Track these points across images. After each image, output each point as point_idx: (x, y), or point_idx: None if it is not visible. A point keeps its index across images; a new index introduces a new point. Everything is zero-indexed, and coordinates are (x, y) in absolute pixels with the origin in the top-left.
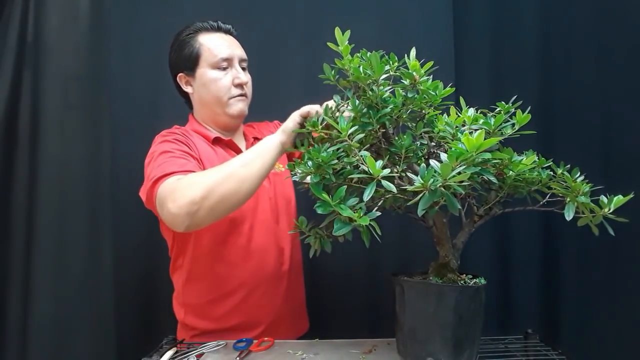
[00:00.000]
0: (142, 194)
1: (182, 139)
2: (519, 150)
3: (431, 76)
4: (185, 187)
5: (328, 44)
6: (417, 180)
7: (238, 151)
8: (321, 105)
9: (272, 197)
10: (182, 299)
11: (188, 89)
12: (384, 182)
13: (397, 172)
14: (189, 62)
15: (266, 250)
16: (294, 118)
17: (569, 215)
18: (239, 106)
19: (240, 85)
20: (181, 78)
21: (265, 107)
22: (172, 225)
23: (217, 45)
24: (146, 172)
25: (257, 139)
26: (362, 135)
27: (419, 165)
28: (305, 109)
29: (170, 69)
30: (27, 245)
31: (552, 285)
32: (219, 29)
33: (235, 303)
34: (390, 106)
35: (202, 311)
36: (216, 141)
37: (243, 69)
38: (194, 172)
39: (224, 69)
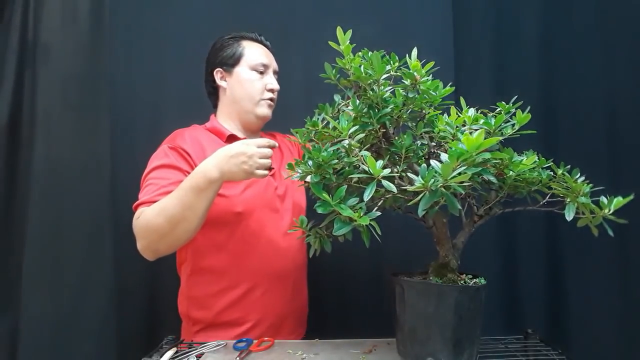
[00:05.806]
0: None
1: (178, 147)
2: (521, 150)
3: (431, 76)
4: (139, 231)
5: (329, 42)
6: (418, 181)
7: None
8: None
9: (282, 195)
10: (186, 292)
11: (222, 83)
12: (384, 182)
13: (397, 172)
14: (230, 60)
15: (272, 247)
16: (244, 166)
17: (569, 215)
18: (266, 110)
19: (271, 91)
20: (217, 72)
21: None
22: None
23: (258, 51)
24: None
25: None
26: (362, 135)
27: (419, 165)
28: (264, 149)
29: (207, 65)
30: (25, 245)
31: (552, 285)
32: (259, 42)
33: (238, 297)
34: (391, 106)
35: (204, 303)
36: (230, 138)
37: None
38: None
39: (260, 72)
